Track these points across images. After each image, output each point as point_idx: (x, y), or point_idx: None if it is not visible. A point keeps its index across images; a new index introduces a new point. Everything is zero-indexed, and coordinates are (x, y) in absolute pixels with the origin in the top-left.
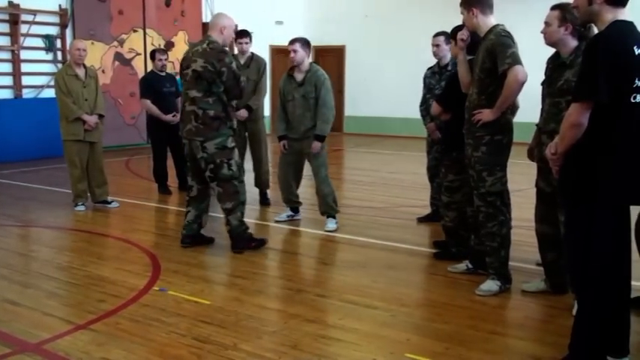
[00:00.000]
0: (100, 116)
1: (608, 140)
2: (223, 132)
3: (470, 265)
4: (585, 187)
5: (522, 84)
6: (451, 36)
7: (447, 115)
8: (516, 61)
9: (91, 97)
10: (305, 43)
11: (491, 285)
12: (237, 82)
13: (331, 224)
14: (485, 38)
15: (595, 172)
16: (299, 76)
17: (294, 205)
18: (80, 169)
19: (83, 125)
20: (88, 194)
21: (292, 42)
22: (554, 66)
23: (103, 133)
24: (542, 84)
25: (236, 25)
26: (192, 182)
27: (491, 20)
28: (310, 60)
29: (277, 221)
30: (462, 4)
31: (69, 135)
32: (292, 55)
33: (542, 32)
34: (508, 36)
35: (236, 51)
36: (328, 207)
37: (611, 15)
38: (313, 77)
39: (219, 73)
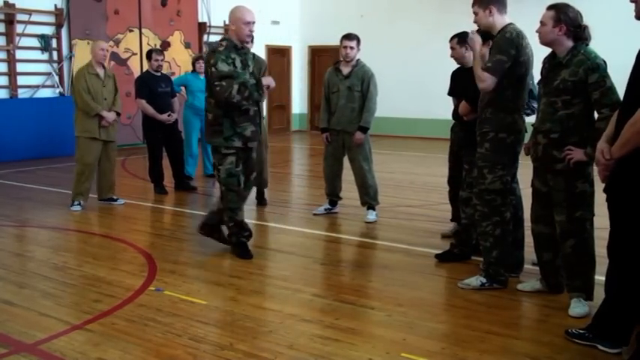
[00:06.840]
0: (117, 114)
1: None
2: None
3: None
4: None
5: (483, 90)
6: (459, 38)
7: (473, 115)
8: (492, 68)
9: (110, 96)
10: (359, 41)
11: (472, 280)
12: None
13: (371, 216)
14: (495, 37)
15: None
16: (345, 70)
17: (335, 198)
18: (89, 168)
19: (100, 121)
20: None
21: (349, 38)
22: (551, 66)
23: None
24: (539, 84)
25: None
26: None
27: (505, 19)
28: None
29: (315, 214)
30: (477, 3)
31: (84, 132)
32: (348, 51)
33: (537, 32)
34: (511, 39)
35: None
36: (371, 199)
37: None
38: (360, 71)
39: None
